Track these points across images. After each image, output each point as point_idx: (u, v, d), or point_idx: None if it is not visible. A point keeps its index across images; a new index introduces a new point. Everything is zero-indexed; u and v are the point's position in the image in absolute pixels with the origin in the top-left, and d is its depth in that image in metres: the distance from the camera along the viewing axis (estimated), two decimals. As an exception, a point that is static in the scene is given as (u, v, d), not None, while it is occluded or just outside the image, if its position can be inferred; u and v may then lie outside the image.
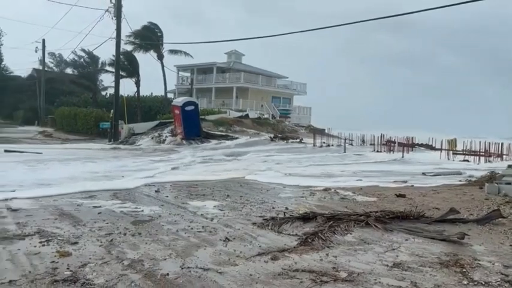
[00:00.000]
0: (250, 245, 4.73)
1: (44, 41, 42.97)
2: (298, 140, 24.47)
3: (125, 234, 5.03)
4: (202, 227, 5.48)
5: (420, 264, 4.17)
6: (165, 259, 4.18)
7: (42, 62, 44.54)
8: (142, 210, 6.41)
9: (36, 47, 43.57)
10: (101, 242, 4.66)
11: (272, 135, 25.42)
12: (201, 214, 6.25)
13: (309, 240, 4.84)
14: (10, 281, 3.47)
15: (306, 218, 5.90)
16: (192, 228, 5.39)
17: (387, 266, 4.12)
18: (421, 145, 21.95)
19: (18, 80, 56.79)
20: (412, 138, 21.04)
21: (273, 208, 6.79)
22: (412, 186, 9.71)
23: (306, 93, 49.18)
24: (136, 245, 4.63)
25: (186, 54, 35.44)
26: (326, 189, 8.70)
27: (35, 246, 4.43)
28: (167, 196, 7.81)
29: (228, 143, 21.86)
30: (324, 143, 22.86)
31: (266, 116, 35.58)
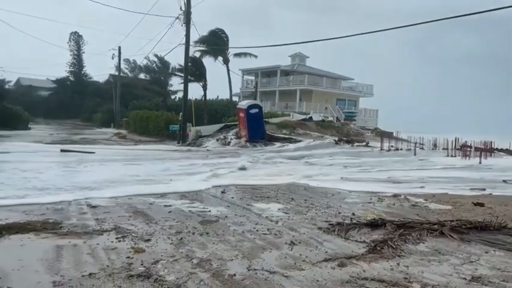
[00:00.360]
0: (316, 250, 4.67)
1: (119, 48, 45.99)
2: (364, 144, 23.79)
3: (193, 233, 5.19)
4: (268, 229, 5.49)
5: (502, 279, 3.84)
6: (232, 260, 4.24)
7: (118, 68, 47.56)
8: (210, 211, 6.58)
9: (113, 54, 46.71)
10: (172, 240, 4.84)
11: (336, 139, 24.95)
12: (266, 216, 6.28)
13: (378, 248, 4.66)
14: (90, 274, 3.72)
15: (374, 224, 5.69)
16: (257, 230, 5.42)
17: (465, 279, 3.85)
18: (501, 150, 20.34)
19: (96, 85, 61.31)
20: (491, 142, 19.55)
21: (339, 213, 6.64)
22: (491, 194, 9.01)
23: (372, 94, 47.75)
24: (204, 244, 4.75)
25: (250, 55, 35.95)
26: (395, 196, 8.35)
27: (112, 242, 4.71)
28: (233, 197, 7.94)
29: (292, 145, 21.80)
30: (392, 146, 21.99)
31: (330, 118, 35.03)
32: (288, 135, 24.76)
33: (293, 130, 26.48)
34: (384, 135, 25.33)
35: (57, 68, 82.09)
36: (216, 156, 17.10)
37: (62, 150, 16.56)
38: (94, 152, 16.54)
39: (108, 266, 3.93)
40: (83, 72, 66.42)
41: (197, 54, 32.80)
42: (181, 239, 4.92)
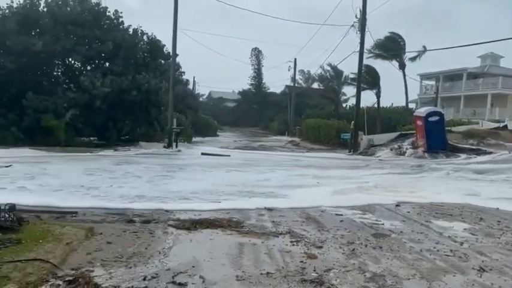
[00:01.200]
0: (513, 281, 3.98)
1: (295, 60, 48.37)
2: None
3: (366, 245, 5.04)
4: (450, 250, 4.95)
5: None
6: (409, 279, 3.96)
7: (293, 78, 50.06)
8: (383, 224, 6.30)
9: (289, 66, 49.40)
10: (343, 250, 4.80)
11: (541, 151, 20.91)
12: (448, 236, 5.67)
13: None
14: (267, 273, 3.96)
15: None
16: (438, 250, 4.94)
17: None
18: None
19: (273, 96, 65.79)
20: None
21: (545, 241, 5.53)
22: None
23: None
24: (378, 258, 4.56)
25: (422, 51, 33.22)
26: None
27: (287, 245, 4.94)
28: (408, 212, 7.42)
29: (480, 158, 19.18)
30: None
31: (532, 127, 29.56)
32: (476, 146, 21.89)
33: (482, 140, 23.29)
34: None
35: (241, 81, 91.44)
36: (389, 166, 16.28)
37: (202, 153, 18.84)
38: (229, 155, 18.13)
39: (283, 267, 4.12)
40: (262, 84, 72.25)
41: (371, 61, 32.05)
42: (353, 250, 4.83)
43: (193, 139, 30.47)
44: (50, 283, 3.44)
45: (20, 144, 17.89)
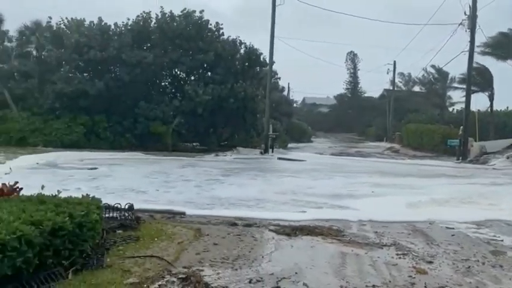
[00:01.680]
0: None
1: (395, 62, 46.15)
2: None
3: (483, 263, 4.61)
4: None
5: None
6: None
7: (393, 82, 47.71)
8: (502, 240, 5.70)
9: (388, 69, 47.24)
10: (457, 267, 4.44)
11: None
12: None
13: None
14: (373, 286, 3.80)
15: None
16: None
17: None
18: None
19: (370, 101, 63.48)
20: None
21: None
22: None
23: None
24: (498, 278, 4.14)
25: None
26: None
27: (392, 258, 4.70)
28: (533, 228, 6.61)
29: None
30: None
31: None
32: None
33: None
34: None
35: (335, 86, 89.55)
36: (496, 175, 14.64)
37: (278, 158, 19.56)
38: (305, 160, 18.59)
39: (390, 281, 3.93)
40: (358, 88, 70.16)
41: (481, 60, 29.16)
42: (469, 267, 4.43)
43: (289, 145, 30.70)
44: (165, 279, 3.70)
45: (133, 148, 19.74)
